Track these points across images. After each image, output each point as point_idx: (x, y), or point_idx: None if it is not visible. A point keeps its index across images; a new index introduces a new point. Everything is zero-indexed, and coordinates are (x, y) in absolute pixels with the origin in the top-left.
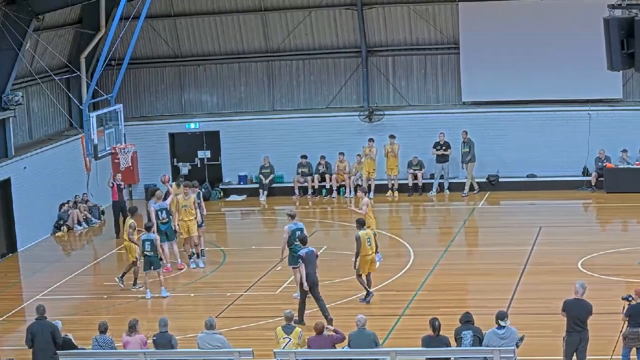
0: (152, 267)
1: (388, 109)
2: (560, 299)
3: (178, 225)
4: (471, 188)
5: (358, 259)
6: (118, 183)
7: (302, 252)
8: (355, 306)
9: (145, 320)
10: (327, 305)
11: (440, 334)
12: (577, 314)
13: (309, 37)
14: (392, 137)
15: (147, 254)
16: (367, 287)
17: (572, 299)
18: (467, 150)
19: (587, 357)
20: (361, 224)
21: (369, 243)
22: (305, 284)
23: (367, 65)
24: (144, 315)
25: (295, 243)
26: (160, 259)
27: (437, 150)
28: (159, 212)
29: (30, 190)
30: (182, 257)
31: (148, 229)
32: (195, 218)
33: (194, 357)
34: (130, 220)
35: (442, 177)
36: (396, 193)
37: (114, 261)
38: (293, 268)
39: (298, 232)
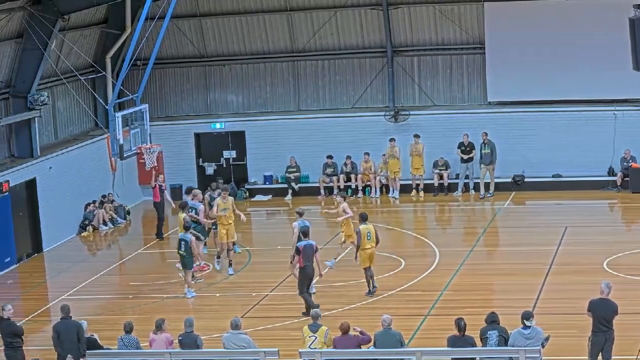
0: (185, 267)
1: (413, 109)
2: (586, 299)
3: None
4: (486, 188)
5: (359, 252)
6: (160, 184)
7: (301, 244)
8: (381, 306)
9: (171, 320)
10: (352, 305)
11: (465, 334)
12: (602, 314)
13: (334, 37)
14: (416, 136)
15: (181, 253)
16: (370, 281)
17: (597, 299)
18: (489, 151)
19: (613, 357)
20: (363, 218)
21: (369, 237)
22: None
23: (392, 65)
24: (170, 315)
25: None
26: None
27: (462, 151)
28: (190, 210)
29: (56, 190)
30: (209, 258)
31: (186, 228)
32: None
33: (220, 357)
34: (182, 214)
35: (467, 177)
36: (422, 193)
37: (139, 261)
38: None
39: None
